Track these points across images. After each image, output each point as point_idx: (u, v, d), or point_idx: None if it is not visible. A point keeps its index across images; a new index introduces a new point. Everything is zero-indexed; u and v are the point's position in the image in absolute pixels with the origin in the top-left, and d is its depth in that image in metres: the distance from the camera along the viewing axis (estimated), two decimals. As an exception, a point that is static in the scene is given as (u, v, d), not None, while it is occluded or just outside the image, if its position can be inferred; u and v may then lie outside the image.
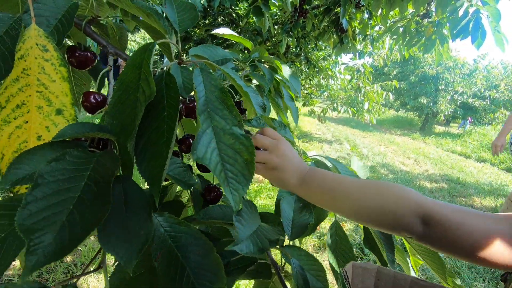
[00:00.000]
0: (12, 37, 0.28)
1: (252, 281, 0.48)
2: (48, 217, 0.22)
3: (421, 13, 2.85)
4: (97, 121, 0.34)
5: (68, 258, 1.61)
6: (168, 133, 0.28)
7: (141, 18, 0.44)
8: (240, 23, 4.79)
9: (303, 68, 6.81)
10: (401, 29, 3.04)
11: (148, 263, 0.29)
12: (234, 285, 1.51)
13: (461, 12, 2.16)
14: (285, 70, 0.57)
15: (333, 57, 6.41)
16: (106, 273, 0.29)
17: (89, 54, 0.38)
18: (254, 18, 2.16)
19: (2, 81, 0.29)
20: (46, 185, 0.23)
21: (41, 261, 0.20)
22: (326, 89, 6.92)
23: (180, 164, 0.39)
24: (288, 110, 0.60)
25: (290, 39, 3.13)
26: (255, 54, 0.58)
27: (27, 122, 0.29)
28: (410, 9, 2.76)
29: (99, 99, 0.35)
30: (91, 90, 0.41)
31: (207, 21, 5.82)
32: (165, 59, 5.42)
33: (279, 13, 4.93)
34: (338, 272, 0.46)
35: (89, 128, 0.28)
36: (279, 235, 0.37)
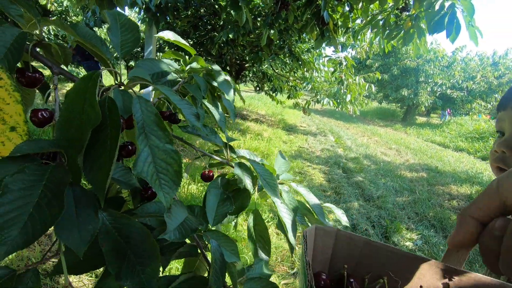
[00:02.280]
0: None
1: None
2: (14, 217, 0.28)
3: (400, 6, 2.89)
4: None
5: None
6: (111, 148, 0.35)
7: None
8: (224, 15, 4.71)
9: (287, 61, 6.82)
10: (381, 22, 3.08)
11: (97, 249, 0.36)
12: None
13: (437, 6, 2.21)
14: (219, 80, 0.63)
15: (317, 49, 6.45)
16: (63, 257, 0.37)
17: (37, 75, 0.42)
18: (231, 11, 2.13)
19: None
20: (11, 193, 0.29)
21: (9, 250, 0.27)
22: (310, 81, 6.96)
23: (122, 167, 0.47)
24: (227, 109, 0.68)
25: (272, 31, 3.10)
26: (193, 64, 0.63)
27: None
28: (390, 3, 2.79)
29: (46, 115, 0.41)
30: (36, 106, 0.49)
31: (189, 13, 5.70)
32: (147, 51, 5.28)
33: (262, 5, 4.89)
34: (254, 246, 0.62)
35: (42, 145, 0.34)
36: (200, 224, 0.48)
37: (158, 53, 7.65)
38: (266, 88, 8.15)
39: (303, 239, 0.33)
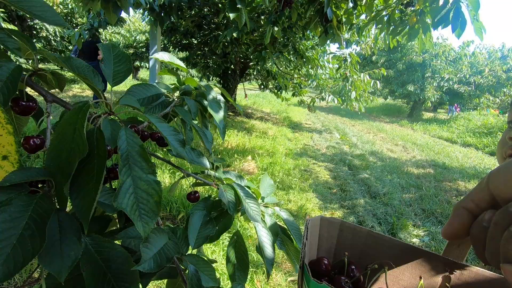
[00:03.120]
0: None
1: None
2: None
3: (405, 1, 2.87)
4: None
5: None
6: (97, 177, 0.36)
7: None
8: (226, 13, 4.72)
9: (292, 58, 6.79)
10: (385, 18, 3.06)
11: (78, 271, 0.38)
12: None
13: (441, 1, 2.19)
14: (210, 97, 0.65)
15: (321, 46, 6.41)
16: (44, 281, 0.39)
17: (30, 103, 0.44)
18: (229, 14, 2.14)
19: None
20: None
21: None
22: (315, 78, 6.93)
23: (108, 190, 0.48)
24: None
25: (276, 29, 3.10)
26: (186, 87, 0.65)
27: None
28: (394, -2, 2.77)
29: (37, 142, 0.43)
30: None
31: (193, 12, 5.72)
32: (151, 51, 5.32)
33: (263, 5, 4.88)
34: (233, 269, 0.63)
35: (31, 174, 0.36)
36: (177, 252, 0.49)
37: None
38: (270, 86, 8.15)
39: (305, 226, 0.34)
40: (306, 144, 6.50)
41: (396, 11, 2.97)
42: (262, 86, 8.42)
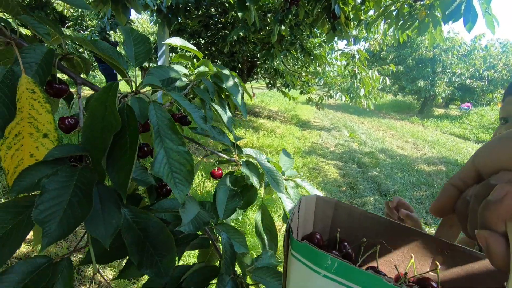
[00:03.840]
0: (8, 86, 0.38)
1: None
2: (51, 214, 0.33)
3: (414, -5, 2.82)
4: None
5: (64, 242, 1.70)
6: (131, 150, 0.39)
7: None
8: (233, 13, 4.74)
9: (299, 56, 6.76)
10: (394, 13, 3.01)
11: (121, 241, 0.40)
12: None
13: (451, -6, 2.14)
14: (226, 81, 0.66)
15: (329, 44, 6.35)
16: (91, 247, 0.42)
17: (63, 86, 0.48)
18: (238, 12, 2.14)
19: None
20: (48, 192, 0.34)
21: (50, 241, 0.31)
22: (323, 76, 6.88)
23: (139, 167, 0.51)
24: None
25: (283, 27, 3.09)
26: (201, 68, 0.66)
27: (22, 145, 0.39)
28: (403, -8, 2.73)
29: (72, 122, 0.46)
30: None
31: (199, 12, 5.75)
32: (160, 52, 5.38)
33: (270, 2, 4.87)
34: (262, 240, 0.65)
35: (71, 149, 0.39)
36: (211, 218, 0.51)
37: (171, 54, 7.77)
38: (278, 85, 8.13)
39: (297, 202, 0.35)
40: (315, 142, 6.47)
41: (405, 6, 2.92)
42: (270, 85, 8.42)
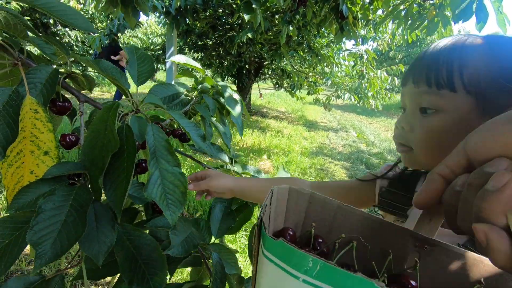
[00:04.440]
0: (12, 106, 0.39)
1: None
2: (46, 235, 0.33)
3: (423, -5, 2.79)
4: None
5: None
6: (127, 170, 0.39)
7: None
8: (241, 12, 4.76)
9: (306, 57, 6.74)
10: (403, 13, 2.99)
11: (113, 257, 0.41)
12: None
13: (462, -6, 2.11)
14: (226, 94, 0.68)
15: (337, 44, 6.32)
16: (83, 264, 0.42)
17: (66, 104, 0.49)
18: (244, 15, 2.15)
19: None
20: (44, 213, 0.34)
21: (43, 263, 0.32)
22: (330, 76, 6.85)
23: (136, 184, 0.53)
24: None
25: (291, 28, 3.10)
26: (203, 85, 0.68)
27: (23, 163, 0.40)
28: (412, -8, 2.70)
29: (72, 140, 0.47)
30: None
31: (207, 14, 5.79)
32: (168, 53, 5.44)
33: (276, 2, 4.87)
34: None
35: (69, 167, 0.40)
36: (202, 239, 0.52)
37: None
38: (285, 85, 8.12)
39: (269, 192, 0.32)
40: (322, 142, 6.44)
41: (414, 5, 2.89)
42: (277, 85, 8.41)
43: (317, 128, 8.06)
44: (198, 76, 0.71)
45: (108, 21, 4.78)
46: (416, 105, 0.49)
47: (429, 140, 0.47)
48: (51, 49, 0.47)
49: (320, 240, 0.34)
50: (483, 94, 0.43)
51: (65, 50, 0.49)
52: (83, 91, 0.54)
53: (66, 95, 0.52)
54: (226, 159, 0.68)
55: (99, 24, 10.65)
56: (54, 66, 0.45)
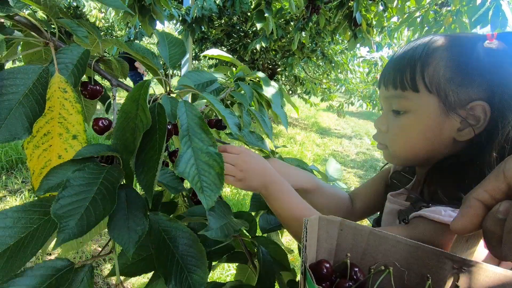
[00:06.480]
0: (42, 84, 0.38)
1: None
2: (72, 209, 0.31)
3: (439, 1, 2.74)
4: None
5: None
6: (158, 152, 0.37)
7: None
8: (254, 21, 4.81)
9: (320, 63, 6.71)
10: (418, 19, 2.93)
11: (148, 251, 0.39)
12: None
13: (479, 1, 2.06)
14: (266, 88, 0.63)
15: (351, 51, 6.26)
16: (116, 256, 0.39)
17: (97, 87, 0.48)
18: (256, 23, 2.18)
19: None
20: (72, 188, 0.33)
21: (66, 238, 0.29)
22: (345, 83, 6.78)
23: (171, 173, 0.48)
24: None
25: (304, 35, 3.10)
26: (239, 73, 0.65)
27: (51, 145, 0.39)
28: (427, -1, 2.66)
29: (105, 124, 0.45)
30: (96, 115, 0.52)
31: (222, 21, 5.88)
32: (183, 60, 5.55)
33: (289, 10, 4.89)
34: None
35: (100, 149, 0.38)
36: (242, 226, 0.45)
37: (194, 61, 7.98)
38: (298, 91, 8.10)
39: (303, 227, 0.32)
40: (335, 150, 6.35)
41: (431, 12, 2.84)
42: (290, 92, 8.40)
43: (330, 135, 7.97)
44: (233, 69, 0.70)
45: (132, 30, 4.95)
46: (389, 107, 0.51)
47: (399, 138, 0.50)
48: (83, 31, 0.45)
49: (356, 268, 0.34)
50: (445, 92, 0.45)
51: (97, 33, 0.48)
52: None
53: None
54: (268, 147, 0.62)
55: (119, 32, 11.01)
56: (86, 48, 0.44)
